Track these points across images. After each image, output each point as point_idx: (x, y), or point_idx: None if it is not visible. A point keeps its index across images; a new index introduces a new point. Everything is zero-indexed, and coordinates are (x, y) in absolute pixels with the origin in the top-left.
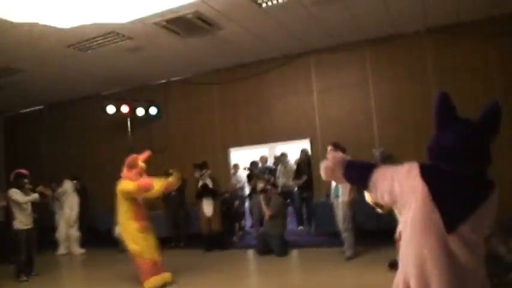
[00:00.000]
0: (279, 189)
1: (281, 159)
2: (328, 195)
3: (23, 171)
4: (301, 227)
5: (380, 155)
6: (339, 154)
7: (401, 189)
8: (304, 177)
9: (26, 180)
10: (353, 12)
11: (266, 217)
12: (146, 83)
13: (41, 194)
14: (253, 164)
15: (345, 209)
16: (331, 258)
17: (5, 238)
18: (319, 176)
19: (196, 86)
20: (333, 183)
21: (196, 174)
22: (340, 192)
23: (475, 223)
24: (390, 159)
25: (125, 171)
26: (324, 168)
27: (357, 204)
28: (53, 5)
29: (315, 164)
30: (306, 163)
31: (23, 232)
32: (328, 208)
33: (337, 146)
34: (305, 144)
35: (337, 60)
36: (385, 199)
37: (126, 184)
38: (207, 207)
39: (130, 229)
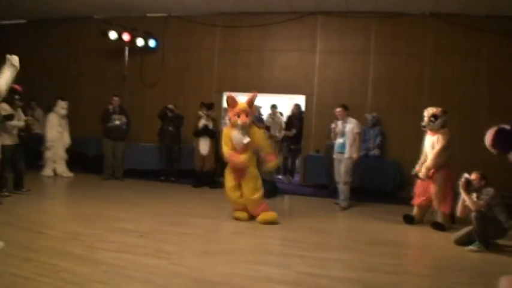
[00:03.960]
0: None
1: (271, 110)
2: (318, 151)
3: (16, 86)
4: (280, 176)
5: (372, 119)
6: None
7: None
8: (294, 130)
9: (17, 97)
10: None
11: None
12: (145, 14)
13: (27, 126)
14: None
15: (349, 164)
16: (325, 207)
17: None
18: (309, 130)
19: (198, 26)
20: (339, 140)
21: (201, 113)
22: (347, 149)
23: None
24: (380, 123)
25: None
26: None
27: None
28: None
29: (307, 119)
30: (297, 117)
31: (8, 148)
32: (319, 162)
33: (346, 108)
34: (300, 99)
35: (344, 25)
36: None
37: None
38: (204, 146)
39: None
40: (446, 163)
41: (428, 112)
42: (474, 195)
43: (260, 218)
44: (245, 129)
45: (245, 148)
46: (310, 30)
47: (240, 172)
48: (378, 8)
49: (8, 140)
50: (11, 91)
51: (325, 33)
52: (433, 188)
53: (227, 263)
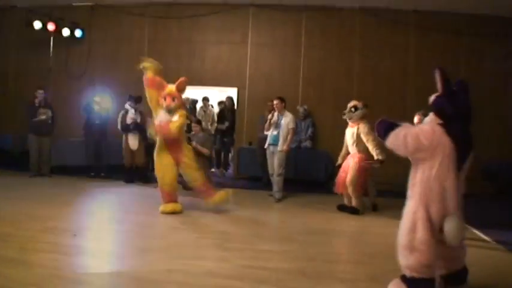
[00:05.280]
0: None
1: (202, 103)
2: (251, 143)
3: None
4: (213, 170)
5: (303, 111)
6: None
7: (428, 143)
8: (227, 123)
9: None
10: None
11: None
12: (70, 3)
13: None
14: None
15: (282, 156)
16: (259, 199)
17: None
18: (241, 123)
19: (127, 16)
20: (273, 132)
21: (127, 106)
22: (280, 141)
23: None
24: (311, 116)
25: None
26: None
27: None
28: None
29: (239, 112)
30: (229, 110)
31: None
32: (252, 154)
33: (283, 100)
34: (232, 92)
35: (275, 18)
36: (409, 149)
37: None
38: (133, 141)
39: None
40: (363, 151)
41: (351, 103)
42: None
43: (212, 200)
44: (171, 112)
45: (167, 127)
46: (242, 22)
47: (175, 147)
48: (309, 2)
49: None
50: None
51: (257, 25)
52: (348, 175)
53: (166, 260)
